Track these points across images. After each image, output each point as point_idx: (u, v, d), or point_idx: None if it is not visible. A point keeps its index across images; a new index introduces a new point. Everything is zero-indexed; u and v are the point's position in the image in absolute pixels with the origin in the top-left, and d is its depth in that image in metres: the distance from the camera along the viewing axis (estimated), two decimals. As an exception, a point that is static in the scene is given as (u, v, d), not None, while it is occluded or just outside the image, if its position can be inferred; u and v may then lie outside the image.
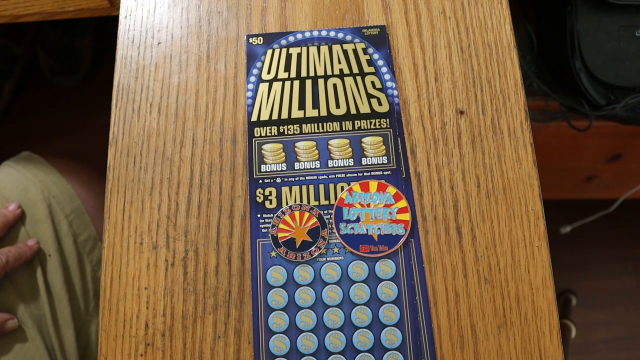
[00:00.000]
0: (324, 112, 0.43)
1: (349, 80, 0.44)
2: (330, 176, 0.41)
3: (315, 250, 0.39)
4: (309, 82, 0.44)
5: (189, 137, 0.43)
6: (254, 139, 0.42)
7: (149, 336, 0.38)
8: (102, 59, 1.18)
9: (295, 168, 0.41)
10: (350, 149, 0.42)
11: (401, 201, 0.40)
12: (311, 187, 0.41)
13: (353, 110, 0.43)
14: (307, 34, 0.45)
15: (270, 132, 0.42)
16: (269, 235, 0.40)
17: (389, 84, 0.44)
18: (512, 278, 0.39)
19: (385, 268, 0.39)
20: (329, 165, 0.41)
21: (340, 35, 0.45)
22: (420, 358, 0.37)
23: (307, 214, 0.40)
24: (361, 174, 0.41)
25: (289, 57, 0.45)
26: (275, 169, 0.41)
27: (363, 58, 0.45)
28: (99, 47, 1.18)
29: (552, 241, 0.40)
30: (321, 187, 0.41)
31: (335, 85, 0.44)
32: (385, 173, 0.41)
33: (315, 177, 0.41)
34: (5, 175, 0.62)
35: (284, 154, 0.42)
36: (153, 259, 0.40)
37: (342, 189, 0.41)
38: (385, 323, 0.38)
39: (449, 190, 0.41)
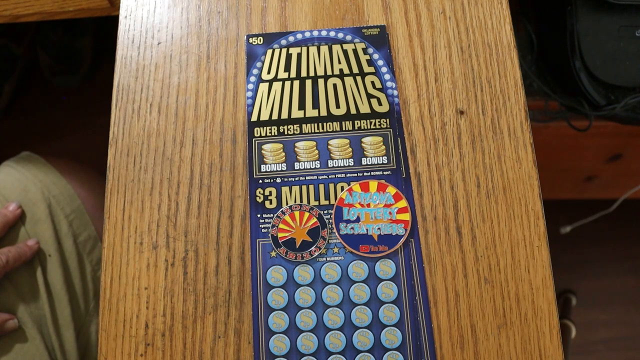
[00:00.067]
0: (324, 112, 0.43)
1: (349, 80, 0.44)
2: (330, 176, 0.41)
3: (315, 250, 0.39)
4: (309, 82, 0.44)
5: (189, 137, 0.43)
6: (254, 139, 0.42)
7: (149, 336, 0.38)
8: (102, 59, 1.18)
9: (295, 168, 0.41)
10: (350, 149, 0.42)
11: (401, 201, 0.40)
12: (311, 187, 0.41)
13: (353, 110, 0.43)
14: (307, 34, 0.45)
15: (270, 132, 0.42)
16: (269, 235, 0.40)
17: (389, 84, 0.44)
18: (512, 278, 0.39)
19: (385, 268, 0.39)
20: (329, 165, 0.41)
21: (340, 35, 0.45)
22: (420, 358, 0.37)
23: (307, 214, 0.40)
24: (361, 174, 0.41)
25: (289, 57, 0.45)
26: (275, 169, 0.41)
27: (363, 58, 0.45)
28: (99, 47, 1.18)
29: (552, 241, 0.40)
30: (321, 187, 0.41)
31: (335, 85, 0.44)
32: (385, 173, 0.41)
33: (315, 177, 0.41)
34: (5, 175, 0.62)
35: (284, 154, 0.42)
36: (153, 259, 0.40)
37: (342, 189, 0.41)
38: (385, 323, 0.38)
39: (449, 190, 0.41)
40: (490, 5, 0.46)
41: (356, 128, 0.42)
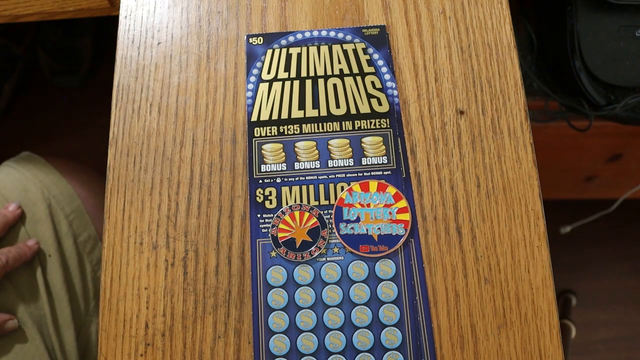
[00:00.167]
0: (324, 112, 0.43)
1: (349, 80, 0.44)
2: (330, 176, 0.41)
3: (315, 250, 0.39)
4: (309, 82, 0.44)
5: (189, 137, 0.43)
6: (254, 139, 0.42)
7: (149, 336, 0.38)
8: (102, 59, 1.18)
9: (295, 168, 0.41)
10: (350, 149, 0.42)
11: (401, 201, 0.40)
12: (311, 187, 0.41)
13: (353, 110, 0.43)
14: (307, 34, 0.45)
15: (270, 132, 0.42)
16: (269, 235, 0.40)
17: (389, 84, 0.44)
18: (512, 278, 0.39)
19: (385, 268, 0.39)
20: (329, 165, 0.41)
21: (340, 35, 0.45)
22: (420, 358, 0.37)
23: (307, 214, 0.40)
24: (361, 174, 0.41)
25: (289, 57, 0.45)
26: (275, 169, 0.41)
27: (363, 58, 0.45)
28: (99, 47, 1.18)
29: (552, 241, 0.40)
30: (321, 187, 0.41)
31: (335, 85, 0.44)
32: (385, 173, 0.41)
33: (315, 177, 0.41)
34: (5, 175, 0.62)
35: (284, 154, 0.42)
36: (153, 259, 0.40)
37: (342, 189, 0.41)
38: (385, 323, 0.38)
39: (449, 190, 0.41)
40: (490, 5, 0.46)
41: (356, 128, 0.42)
